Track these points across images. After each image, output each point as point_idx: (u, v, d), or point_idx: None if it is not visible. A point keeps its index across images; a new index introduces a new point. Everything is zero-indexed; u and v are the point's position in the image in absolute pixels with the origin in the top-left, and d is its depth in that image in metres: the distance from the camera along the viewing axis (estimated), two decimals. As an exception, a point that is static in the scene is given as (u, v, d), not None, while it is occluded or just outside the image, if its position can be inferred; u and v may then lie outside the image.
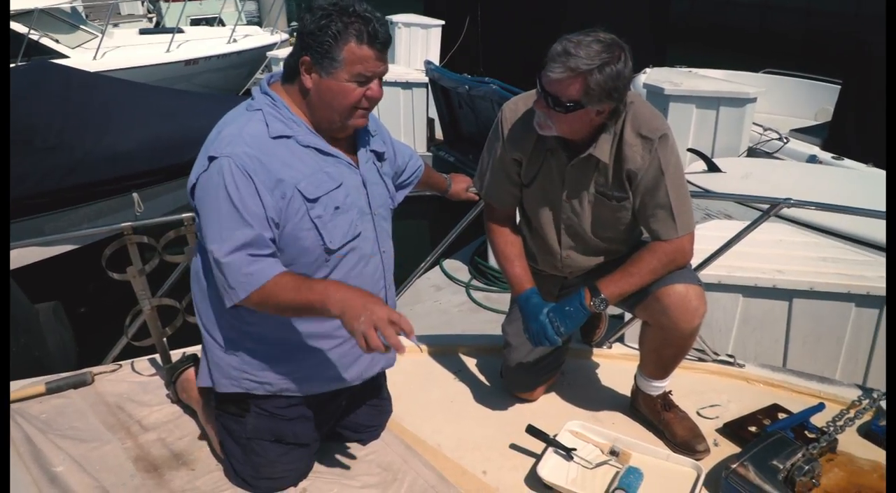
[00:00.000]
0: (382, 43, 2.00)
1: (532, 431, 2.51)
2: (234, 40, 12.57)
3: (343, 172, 2.13)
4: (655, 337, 2.52)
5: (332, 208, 2.07)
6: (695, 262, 2.68)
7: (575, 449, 2.44)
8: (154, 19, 17.64)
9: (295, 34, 2.06)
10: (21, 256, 5.42)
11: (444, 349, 3.15)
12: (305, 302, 1.96)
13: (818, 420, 2.58)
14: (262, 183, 1.95)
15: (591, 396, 2.87)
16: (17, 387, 2.81)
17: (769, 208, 2.93)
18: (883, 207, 3.18)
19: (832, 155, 7.07)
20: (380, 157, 2.31)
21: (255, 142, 1.99)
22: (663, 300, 2.38)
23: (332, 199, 2.07)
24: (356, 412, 2.51)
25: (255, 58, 12.40)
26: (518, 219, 2.70)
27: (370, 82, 2.04)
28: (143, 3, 18.95)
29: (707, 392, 2.85)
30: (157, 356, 2.99)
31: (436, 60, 10.98)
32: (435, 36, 11.63)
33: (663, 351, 2.53)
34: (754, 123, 7.44)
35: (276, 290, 1.97)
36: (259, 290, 1.96)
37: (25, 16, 10.48)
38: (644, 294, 2.41)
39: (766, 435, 2.40)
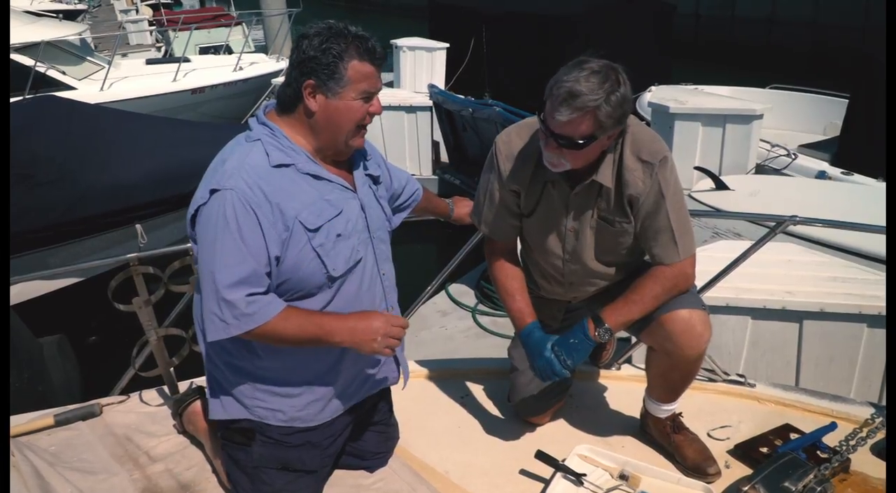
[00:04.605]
0: (380, 59, 2.06)
1: (541, 456, 2.49)
2: (240, 68, 12.68)
3: (343, 198, 2.15)
4: (661, 362, 2.50)
5: (333, 236, 2.08)
6: (700, 282, 2.67)
7: (585, 475, 2.41)
8: (163, 49, 17.81)
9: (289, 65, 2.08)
10: (25, 290, 5.44)
11: (451, 374, 3.14)
12: (309, 339, 2.08)
13: (831, 440, 2.55)
14: (264, 216, 1.97)
15: (600, 419, 2.85)
16: (26, 420, 2.80)
17: (774, 226, 2.91)
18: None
19: (841, 170, 7.05)
20: (375, 180, 2.33)
21: (257, 173, 2.00)
22: (667, 326, 2.36)
23: (334, 226, 2.09)
24: (363, 438, 2.50)
25: (261, 85, 12.47)
26: (519, 248, 2.69)
27: (372, 99, 2.08)
28: (151, 32, 19.13)
29: (717, 413, 2.83)
30: (164, 387, 2.99)
31: (441, 83, 11.04)
32: (440, 59, 11.70)
33: (670, 375, 2.51)
34: (762, 140, 7.43)
35: (278, 329, 2.02)
36: (259, 327, 2.00)
37: (31, 48, 10.58)
38: (648, 320, 2.39)
39: (777, 456, 2.37)
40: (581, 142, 2.11)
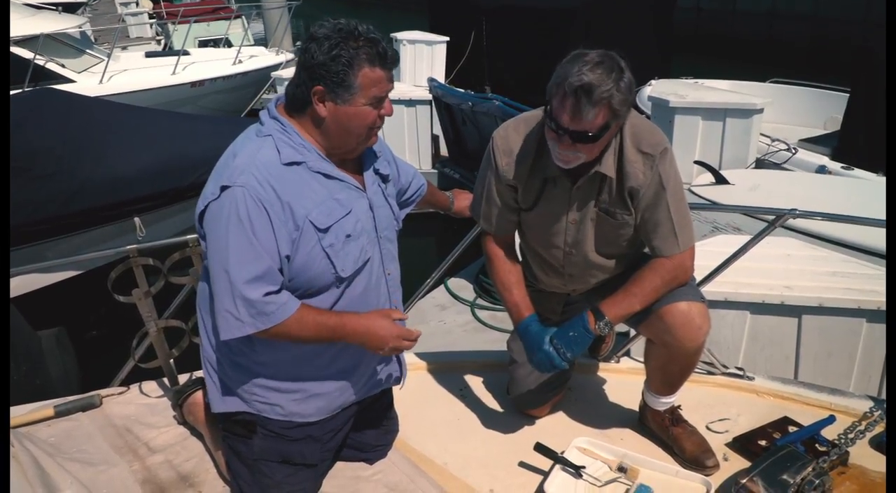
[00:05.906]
0: (392, 62, 2.01)
1: (540, 448, 2.49)
2: (240, 61, 12.63)
3: (352, 197, 2.12)
4: (660, 355, 2.50)
5: (343, 236, 2.06)
6: (700, 276, 2.66)
7: (584, 467, 2.42)
8: (162, 41, 17.76)
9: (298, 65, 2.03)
10: (23, 283, 5.45)
11: (450, 367, 3.13)
12: (323, 338, 2.12)
13: (829, 433, 2.56)
14: (275, 215, 1.95)
15: (599, 411, 2.85)
16: (26, 410, 2.81)
17: (774, 220, 2.91)
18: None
19: (841, 165, 7.04)
20: (385, 179, 2.31)
21: (268, 170, 1.97)
22: (666, 319, 2.36)
23: (343, 227, 2.07)
24: (363, 431, 2.50)
25: (261, 78, 12.46)
26: (518, 242, 2.68)
27: (383, 102, 2.05)
28: (151, 25, 19.07)
29: (716, 406, 2.83)
30: (164, 378, 2.99)
31: (441, 77, 11.02)
32: (440, 52, 11.66)
33: (668, 368, 2.51)
34: (762, 134, 7.41)
35: (292, 330, 2.03)
36: (274, 327, 2.00)
37: (31, 41, 10.55)
38: (647, 312, 2.39)
39: (775, 449, 2.38)
40: (596, 134, 2.11)
